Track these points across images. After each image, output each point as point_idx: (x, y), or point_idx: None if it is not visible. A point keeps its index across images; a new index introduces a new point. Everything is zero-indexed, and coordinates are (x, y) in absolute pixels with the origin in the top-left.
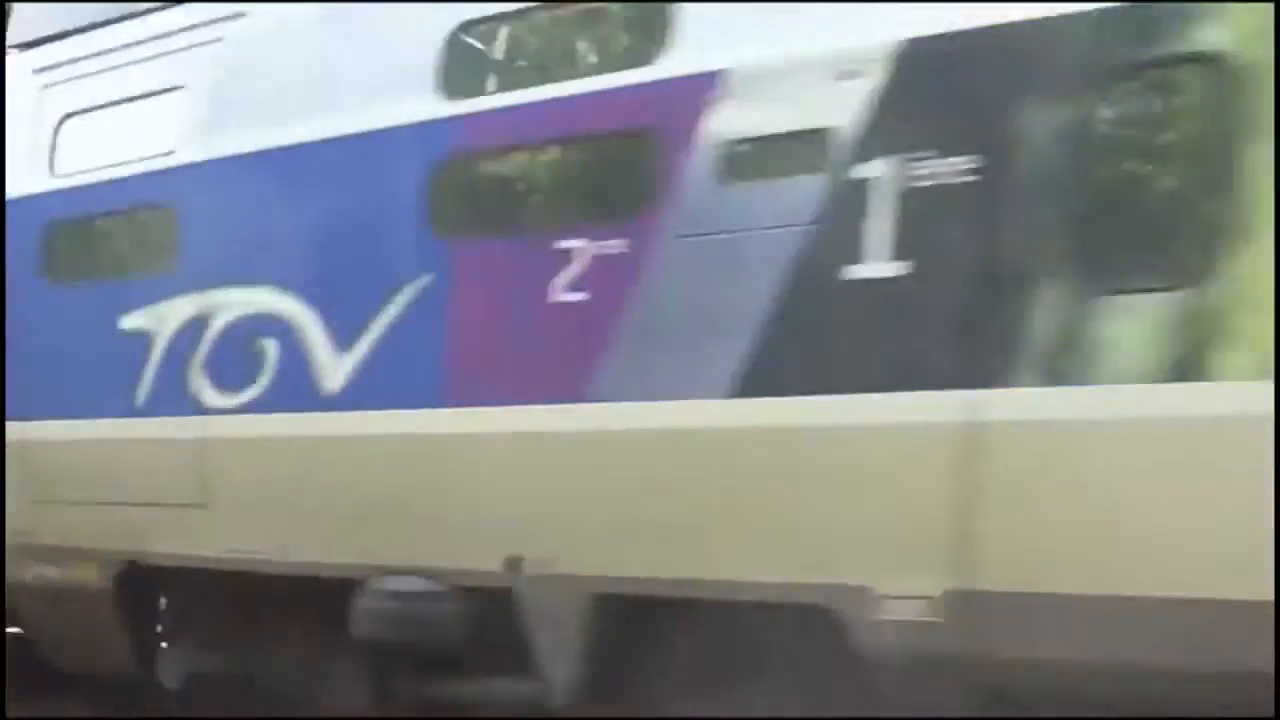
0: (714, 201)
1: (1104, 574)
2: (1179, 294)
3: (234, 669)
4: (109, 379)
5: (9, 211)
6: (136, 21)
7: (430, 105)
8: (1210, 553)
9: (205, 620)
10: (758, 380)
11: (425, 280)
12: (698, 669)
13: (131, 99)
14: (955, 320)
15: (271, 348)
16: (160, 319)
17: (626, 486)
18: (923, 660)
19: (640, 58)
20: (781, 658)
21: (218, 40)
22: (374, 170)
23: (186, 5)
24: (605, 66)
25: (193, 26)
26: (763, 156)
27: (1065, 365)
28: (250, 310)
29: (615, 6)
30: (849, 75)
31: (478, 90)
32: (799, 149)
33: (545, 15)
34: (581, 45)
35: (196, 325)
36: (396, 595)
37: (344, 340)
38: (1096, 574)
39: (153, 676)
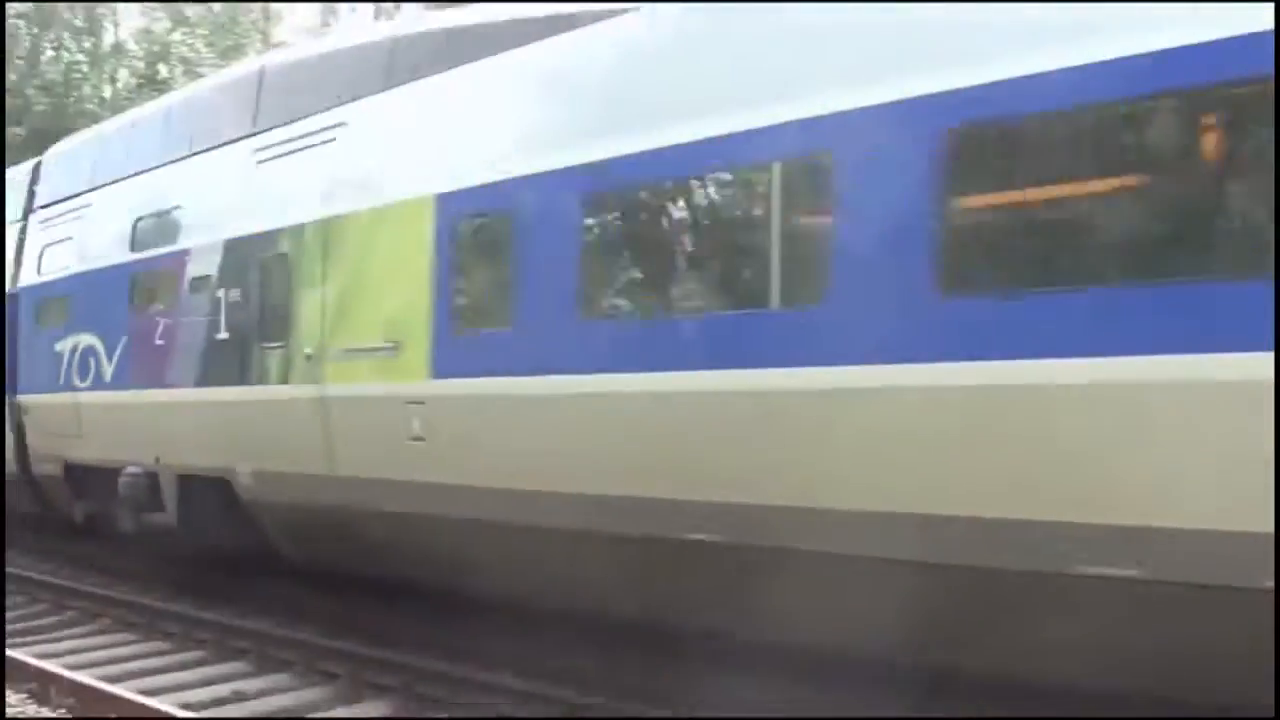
0: (189, 304)
1: (302, 459)
2: (286, 349)
3: (101, 509)
4: (53, 373)
5: (31, 293)
6: (65, 203)
7: (128, 254)
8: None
9: (93, 489)
10: (199, 380)
11: (127, 331)
12: (205, 503)
13: (63, 240)
14: (235, 357)
15: (92, 360)
16: (65, 346)
17: (180, 427)
18: (255, 502)
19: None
20: (217, 499)
21: (81, 217)
22: (115, 280)
23: (69, 201)
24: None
25: (74, 209)
26: (200, 286)
27: (252, 377)
28: (86, 344)
29: None
30: (215, 252)
31: (140, 249)
32: (209, 282)
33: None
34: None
35: (73, 350)
36: (132, 479)
37: (110, 358)
38: (301, 461)
39: (74, 518)
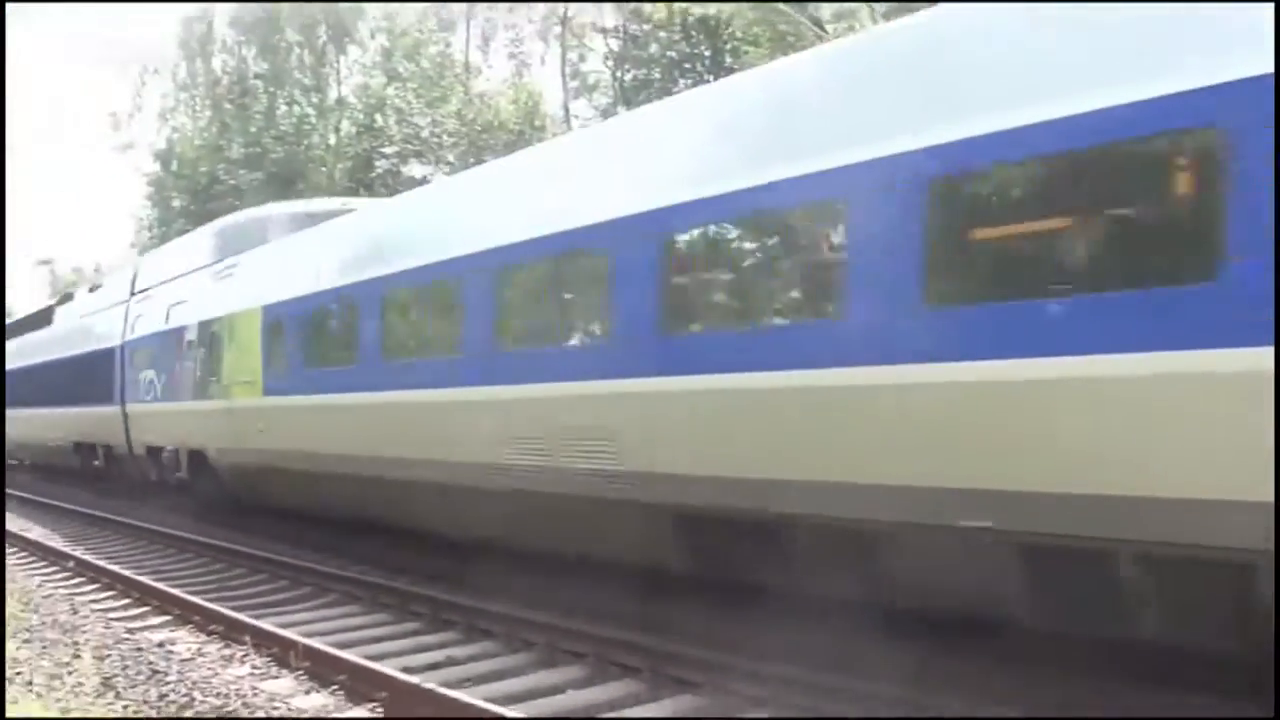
0: (187, 355)
1: (228, 440)
2: (219, 380)
3: (160, 475)
4: (138, 392)
5: (129, 345)
6: (144, 293)
7: (165, 325)
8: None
9: (160, 461)
10: (192, 396)
11: (165, 369)
12: (199, 467)
13: (142, 315)
14: (204, 385)
15: (152, 385)
16: (142, 377)
17: (186, 423)
18: (217, 465)
19: (182, 320)
20: (202, 464)
21: (149, 303)
22: (162, 339)
23: (146, 292)
24: (174, 319)
25: (147, 297)
26: (190, 345)
27: (209, 395)
28: (150, 376)
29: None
30: (196, 329)
31: (169, 323)
32: (195, 344)
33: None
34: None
35: (145, 379)
36: (169, 453)
37: (159, 384)
38: (228, 441)
39: (147, 477)
